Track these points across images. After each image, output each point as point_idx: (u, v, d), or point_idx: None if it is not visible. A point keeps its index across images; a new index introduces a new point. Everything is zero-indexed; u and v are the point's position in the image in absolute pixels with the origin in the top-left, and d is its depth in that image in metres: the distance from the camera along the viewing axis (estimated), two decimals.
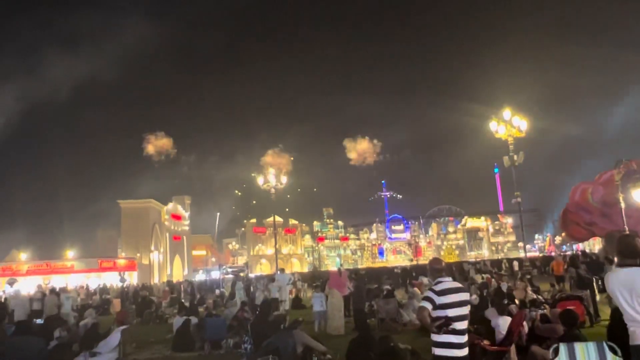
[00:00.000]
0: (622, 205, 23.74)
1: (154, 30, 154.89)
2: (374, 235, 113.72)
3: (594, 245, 55.62)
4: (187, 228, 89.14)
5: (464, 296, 5.10)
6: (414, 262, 71.80)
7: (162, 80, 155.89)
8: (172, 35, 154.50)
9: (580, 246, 48.60)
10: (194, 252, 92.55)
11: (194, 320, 14.03)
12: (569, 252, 48.00)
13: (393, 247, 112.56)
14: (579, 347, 5.36)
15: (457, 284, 5.17)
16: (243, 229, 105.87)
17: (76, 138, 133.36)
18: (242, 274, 30.81)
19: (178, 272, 78.47)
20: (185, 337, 13.04)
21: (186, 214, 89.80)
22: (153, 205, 76.78)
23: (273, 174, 32.37)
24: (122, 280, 37.40)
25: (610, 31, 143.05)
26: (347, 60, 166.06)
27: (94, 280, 53.37)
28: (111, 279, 54.96)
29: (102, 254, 68.54)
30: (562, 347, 5.38)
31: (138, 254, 68.67)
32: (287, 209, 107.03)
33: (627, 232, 22.14)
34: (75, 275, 57.93)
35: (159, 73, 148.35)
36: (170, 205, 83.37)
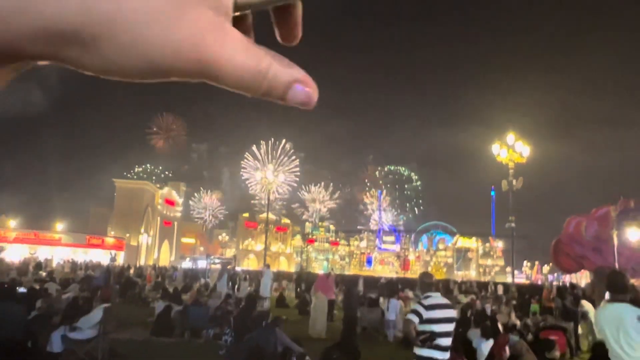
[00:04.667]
0: (615, 242, 23.81)
1: None
2: (364, 244, 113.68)
3: (581, 278, 55.78)
4: (179, 214, 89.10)
5: (451, 313, 5.12)
6: (400, 275, 71.85)
7: None
8: None
9: (567, 277, 48.76)
10: (183, 239, 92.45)
11: (176, 307, 14.00)
12: (555, 282, 48.19)
13: (382, 258, 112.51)
14: None
15: (446, 301, 5.18)
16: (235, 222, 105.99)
17: (81, 111, 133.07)
18: (229, 267, 30.72)
19: (165, 257, 78.36)
20: (166, 323, 13.00)
21: (180, 200, 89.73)
22: (148, 188, 76.79)
23: (272, 170, 32.37)
24: (113, 259, 37.33)
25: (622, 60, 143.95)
26: (357, 77, 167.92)
27: (80, 256, 53.20)
28: (98, 256, 54.89)
29: (91, 230, 68.46)
30: None
31: (127, 235, 68.56)
32: (282, 210, 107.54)
33: (617, 269, 22.24)
34: (62, 249, 57.77)
35: None
36: (165, 190, 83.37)
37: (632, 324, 4.33)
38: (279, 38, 0.45)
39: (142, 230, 72.27)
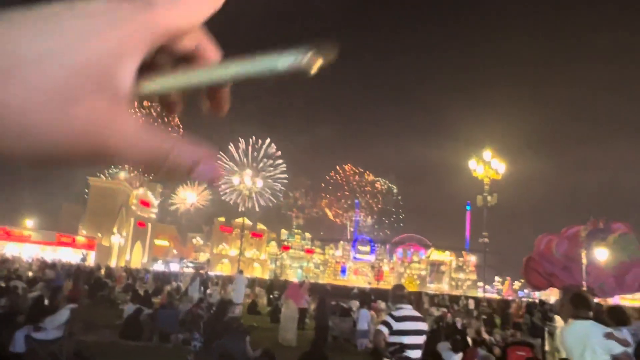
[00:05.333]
0: (584, 261, 24.30)
1: None
2: (339, 253, 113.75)
3: (550, 295, 56.75)
4: (154, 216, 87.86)
5: (422, 325, 5.15)
6: (373, 285, 72.03)
7: None
8: None
9: (536, 294, 49.54)
10: (157, 242, 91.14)
11: (146, 310, 13.78)
12: (525, 299, 48.97)
13: (356, 267, 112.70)
14: None
15: (417, 313, 5.22)
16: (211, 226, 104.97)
17: None
18: (201, 271, 30.40)
19: (137, 259, 77.10)
20: (135, 326, 12.78)
21: (155, 202, 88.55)
22: (123, 188, 75.56)
23: (250, 175, 32.21)
24: (84, 259, 36.55)
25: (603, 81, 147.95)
26: (338, 89, 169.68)
27: (49, 254, 52.00)
28: (68, 255, 53.70)
29: (62, 228, 66.95)
30: None
31: (99, 234, 67.31)
32: (258, 212, 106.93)
33: (584, 288, 22.69)
34: (31, 246, 56.37)
35: None
36: (141, 191, 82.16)
37: (598, 342, 4.43)
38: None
39: (115, 230, 71.04)
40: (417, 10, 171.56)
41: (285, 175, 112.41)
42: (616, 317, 5.91)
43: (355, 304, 22.26)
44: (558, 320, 13.01)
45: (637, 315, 7.95)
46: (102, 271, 33.21)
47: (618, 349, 4.37)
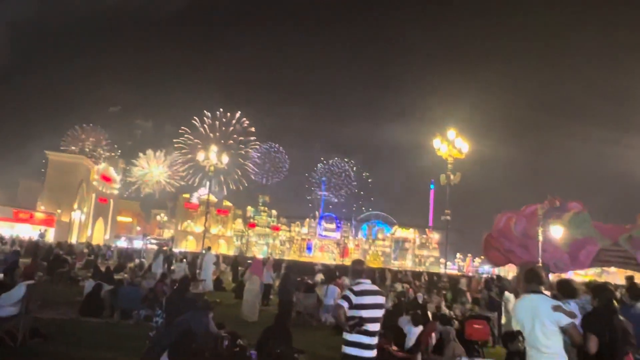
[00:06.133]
0: (540, 238, 25.14)
1: None
2: (305, 230, 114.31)
3: (508, 272, 58.72)
4: (116, 192, 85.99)
5: (380, 299, 5.24)
6: (338, 262, 72.86)
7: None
8: None
9: (495, 270, 51.15)
10: (119, 218, 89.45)
11: (106, 286, 13.58)
12: (484, 275, 50.56)
13: (322, 245, 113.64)
14: None
15: (375, 287, 5.30)
16: (173, 202, 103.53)
17: (17, 75, 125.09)
18: (165, 247, 30.10)
19: (99, 236, 75.57)
20: (95, 302, 12.61)
21: (117, 177, 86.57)
22: (83, 162, 73.54)
23: (215, 151, 31.76)
24: (42, 235, 35.56)
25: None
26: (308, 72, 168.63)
27: (6, 231, 50.41)
28: (26, 232, 52.19)
29: (20, 204, 64.87)
30: None
31: (59, 210, 65.53)
32: (222, 190, 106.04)
33: (540, 265, 23.54)
34: None
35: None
36: (102, 166, 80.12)
37: (546, 314, 4.62)
38: None
39: (75, 206, 69.27)
40: None
41: (258, 154, 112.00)
42: (565, 290, 6.17)
43: (320, 277, 22.50)
44: (509, 295, 13.52)
45: (585, 289, 8.32)
46: (61, 247, 32.41)
47: (566, 320, 4.57)
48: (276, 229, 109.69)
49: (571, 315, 4.66)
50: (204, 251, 25.61)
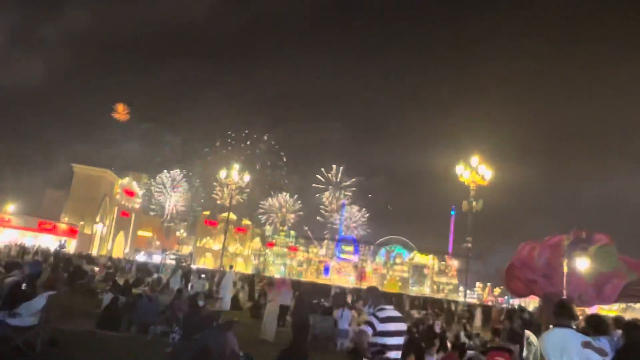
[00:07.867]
0: (565, 270, 24.51)
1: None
2: (323, 252, 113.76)
3: (529, 303, 57.36)
4: (137, 206, 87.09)
5: (403, 326, 5.12)
6: (356, 286, 72.16)
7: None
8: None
9: (516, 301, 49.98)
10: (140, 232, 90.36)
11: (123, 299, 13.60)
12: (505, 305, 49.40)
13: (339, 267, 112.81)
14: None
15: (398, 314, 5.18)
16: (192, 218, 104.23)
17: (45, 93, 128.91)
18: (182, 263, 30.18)
19: (119, 249, 76.40)
20: (113, 316, 12.61)
21: (140, 192, 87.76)
22: (107, 176, 74.78)
23: (237, 170, 32.03)
24: (62, 246, 36.02)
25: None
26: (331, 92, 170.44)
27: (29, 240, 51.25)
28: (48, 242, 52.96)
29: (44, 214, 65.98)
30: None
31: (82, 222, 66.52)
32: (243, 205, 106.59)
33: (564, 297, 22.88)
34: (10, 231, 55.50)
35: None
36: (126, 180, 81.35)
37: (576, 350, 4.44)
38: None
39: (98, 219, 70.27)
40: (411, 11, 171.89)
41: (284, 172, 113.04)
42: (595, 326, 5.93)
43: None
44: (530, 334, 13.11)
45: (615, 324, 8.01)
46: (83, 259, 32.80)
47: (595, 358, 4.39)
48: (294, 249, 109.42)
49: (601, 352, 4.48)
50: (222, 268, 25.59)
